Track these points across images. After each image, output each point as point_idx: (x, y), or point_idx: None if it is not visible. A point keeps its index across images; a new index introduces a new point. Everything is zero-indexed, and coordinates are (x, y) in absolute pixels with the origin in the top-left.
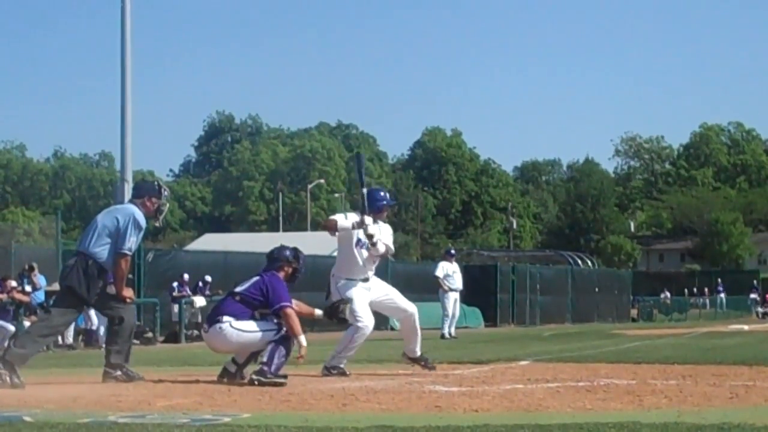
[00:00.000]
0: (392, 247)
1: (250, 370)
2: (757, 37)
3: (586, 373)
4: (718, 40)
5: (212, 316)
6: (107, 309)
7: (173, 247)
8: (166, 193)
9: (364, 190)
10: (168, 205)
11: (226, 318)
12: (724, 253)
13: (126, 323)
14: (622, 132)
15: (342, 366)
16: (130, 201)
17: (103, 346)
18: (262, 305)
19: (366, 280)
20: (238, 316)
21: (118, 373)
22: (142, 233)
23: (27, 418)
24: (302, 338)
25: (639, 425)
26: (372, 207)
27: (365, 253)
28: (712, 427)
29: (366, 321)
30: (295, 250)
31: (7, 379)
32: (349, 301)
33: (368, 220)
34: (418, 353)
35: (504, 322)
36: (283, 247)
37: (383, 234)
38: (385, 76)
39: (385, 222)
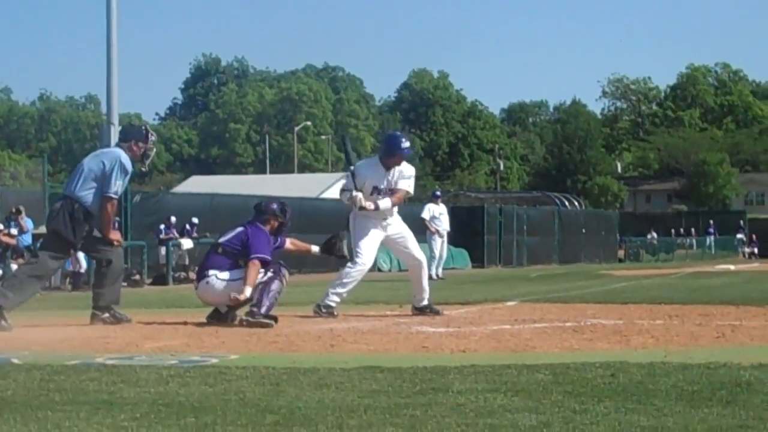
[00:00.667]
0: (411, 190)
1: (242, 312)
2: None
3: (573, 313)
4: None
5: (199, 271)
6: (94, 252)
7: (160, 189)
8: (152, 137)
9: (352, 168)
10: (155, 149)
11: (211, 272)
12: (710, 193)
13: (114, 266)
14: (609, 73)
15: (333, 305)
16: (117, 145)
17: (91, 288)
18: (242, 255)
19: (384, 219)
20: (221, 268)
21: (106, 315)
22: (128, 177)
23: (15, 360)
24: (248, 290)
25: (626, 365)
26: (388, 152)
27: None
28: (699, 367)
29: (365, 258)
30: (283, 204)
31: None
32: (345, 236)
33: (359, 200)
34: (424, 302)
35: (491, 264)
36: (270, 201)
37: (401, 179)
38: (371, 17)
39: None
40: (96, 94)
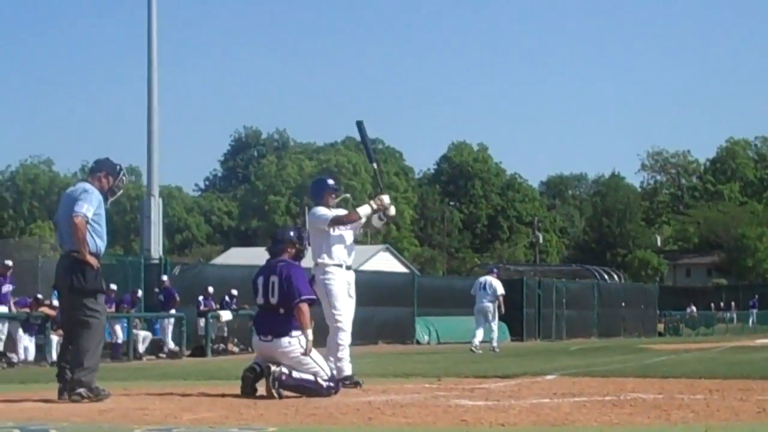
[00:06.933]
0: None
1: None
2: None
3: (613, 387)
4: (745, 54)
5: (274, 327)
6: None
7: (199, 261)
8: (124, 178)
9: (375, 165)
10: (122, 189)
11: (295, 333)
12: (750, 267)
13: (92, 333)
14: (648, 146)
15: (350, 374)
16: (82, 180)
17: (124, 359)
18: (292, 301)
19: (349, 268)
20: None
21: (82, 390)
22: (97, 201)
23: (53, 431)
24: (309, 332)
25: None
26: (319, 192)
27: (351, 234)
28: None
29: (347, 322)
30: (299, 230)
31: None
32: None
33: (386, 199)
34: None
35: (530, 337)
36: (286, 228)
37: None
38: (411, 90)
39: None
40: (137, 165)
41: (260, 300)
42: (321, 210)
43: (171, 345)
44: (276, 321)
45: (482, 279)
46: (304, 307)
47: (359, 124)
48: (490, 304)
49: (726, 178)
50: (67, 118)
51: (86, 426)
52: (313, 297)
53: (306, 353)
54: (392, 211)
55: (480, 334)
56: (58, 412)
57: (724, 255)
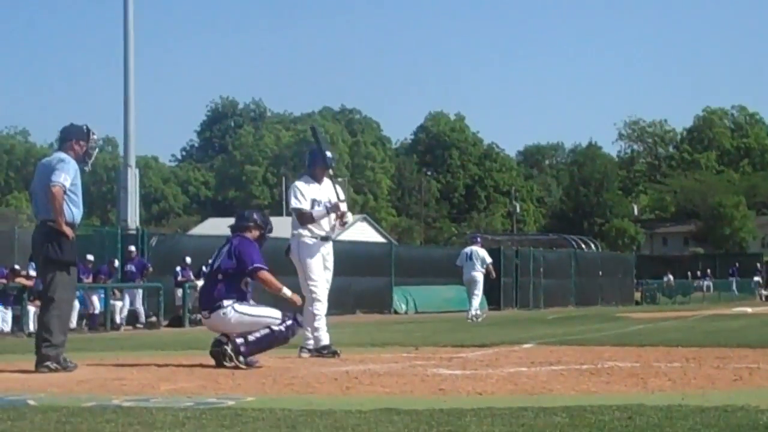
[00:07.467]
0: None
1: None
2: (761, 21)
3: (590, 356)
4: (722, 24)
5: (207, 301)
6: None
7: (176, 231)
8: (94, 136)
9: (330, 171)
10: (97, 149)
11: (226, 302)
12: (727, 236)
13: (58, 304)
14: (625, 116)
15: (328, 343)
16: (57, 150)
17: (102, 329)
18: (241, 272)
19: (326, 239)
20: (234, 298)
21: (52, 363)
22: (75, 171)
23: (31, 402)
24: (285, 290)
25: (643, 408)
26: (314, 164)
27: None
28: (716, 410)
29: (322, 292)
30: (265, 216)
31: (60, 365)
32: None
33: (343, 207)
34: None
35: (507, 306)
36: (254, 210)
37: (339, 192)
38: (388, 60)
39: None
40: (114, 136)
41: (205, 269)
42: (297, 190)
43: (142, 317)
44: (208, 294)
45: (467, 249)
46: (263, 274)
47: (314, 129)
48: (478, 273)
49: (703, 147)
50: (43, 89)
51: (64, 396)
52: (265, 267)
53: (297, 303)
54: (349, 217)
55: (476, 303)
56: (36, 383)
57: (700, 224)
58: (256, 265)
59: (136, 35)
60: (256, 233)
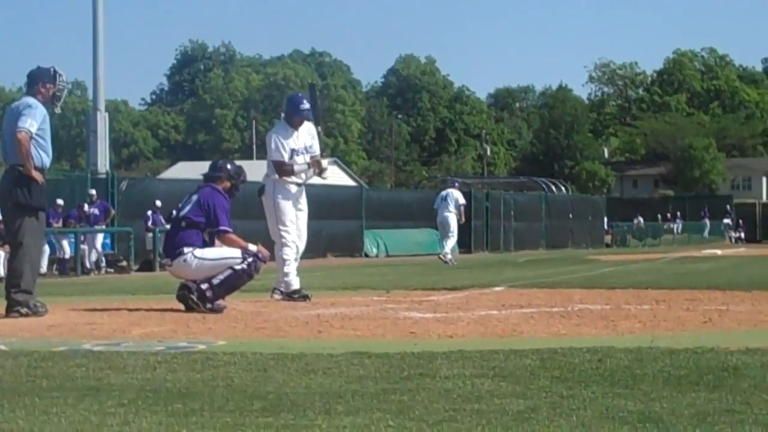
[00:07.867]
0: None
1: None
2: None
3: (560, 298)
4: None
5: (170, 248)
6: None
7: (146, 175)
8: (62, 78)
9: (319, 129)
10: (66, 91)
11: (186, 249)
12: (697, 178)
13: (26, 250)
14: (596, 58)
15: (298, 287)
16: (25, 94)
17: (72, 274)
18: (207, 225)
19: (300, 185)
20: (195, 245)
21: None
22: (42, 116)
23: (2, 347)
24: (251, 246)
25: (613, 350)
26: (291, 113)
27: (301, 158)
28: (686, 351)
29: (293, 236)
30: (239, 168)
31: (31, 310)
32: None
33: (324, 163)
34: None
35: (478, 249)
36: (228, 161)
37: (314, 140)
38: (359, 3)
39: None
40: (83, 80)
41: (173, 214)
42: (278, 142)
43: (103, 261)
44: (170, 241)
45: (444, 192)
46: (229, 237)
47: (312, 87)
48: (449, 214)
49: (673, 90)
50: (11, 32)
51: (35, 341)
52: (231, 230)
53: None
54: (327, 172)
55: (450, 244)
56: (6, 328)
57: (670, 166)
58: (222, 227)
59: None
60: (227, 184)
